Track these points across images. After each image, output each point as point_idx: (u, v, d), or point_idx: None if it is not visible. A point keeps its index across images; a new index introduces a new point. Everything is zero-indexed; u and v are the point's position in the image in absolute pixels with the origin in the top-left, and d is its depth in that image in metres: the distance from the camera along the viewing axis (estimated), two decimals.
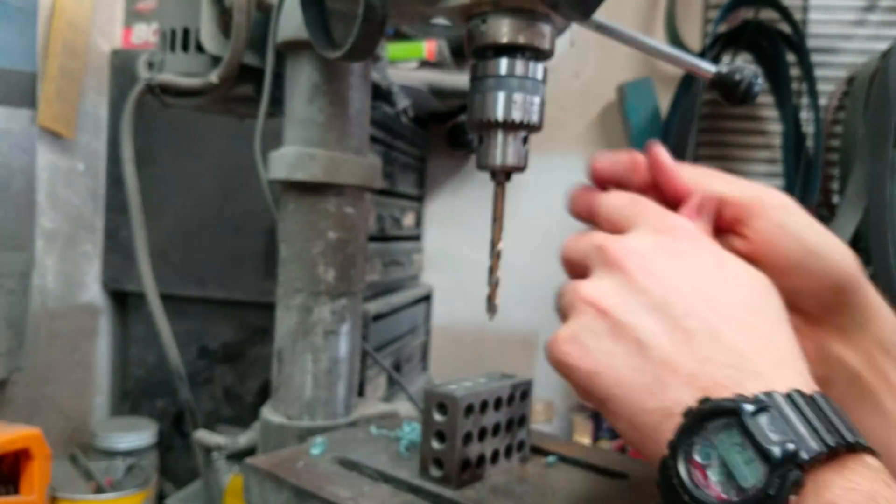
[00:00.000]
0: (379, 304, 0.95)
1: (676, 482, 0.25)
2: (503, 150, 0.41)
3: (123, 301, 1.01)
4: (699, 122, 1.18)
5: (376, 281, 0.99)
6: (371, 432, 0.52)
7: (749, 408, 0.25)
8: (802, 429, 0.24)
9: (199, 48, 0.60)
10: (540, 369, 1.28)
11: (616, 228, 0.36)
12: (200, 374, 0.96)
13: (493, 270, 0.42)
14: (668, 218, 0.34)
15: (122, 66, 0.97)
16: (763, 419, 0.24)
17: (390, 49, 1.03)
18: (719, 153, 1.21)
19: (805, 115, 1.15)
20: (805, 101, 1.14)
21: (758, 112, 1.21)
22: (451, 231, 1.31)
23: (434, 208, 1.32)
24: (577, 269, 0.36)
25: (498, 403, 0.44)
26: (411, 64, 1.04)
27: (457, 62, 1.05)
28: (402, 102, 0.95)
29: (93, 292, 0.98)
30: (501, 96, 0.40)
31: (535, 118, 0.41)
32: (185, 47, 0.61)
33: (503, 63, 0.40)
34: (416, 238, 1.27)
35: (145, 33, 1.02)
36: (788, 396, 0.25)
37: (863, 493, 0.23)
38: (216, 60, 0.59)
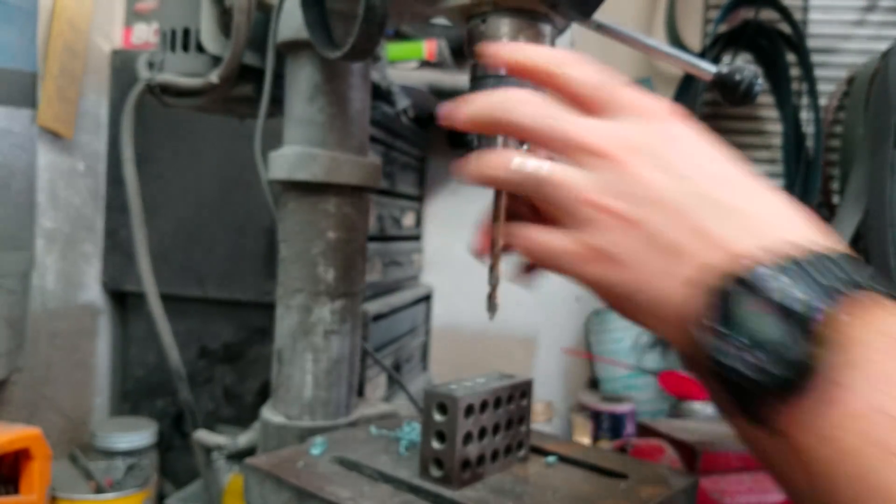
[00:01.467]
0: (379, 304, 0.95)
1: (709, 359, 0.25)
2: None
3: (123, 301, 1.01)
4: (699, 122, 1.18)
5: (376, 281, 0.99)
6: (371, 432, 0.52)
7: (763, 271, 0.25)
8: (814, 283, 0.24)
9: (200, 48, 0.60)
10: (540, 369, 1.28)
11: (587, 109, 0.32)
12: (200, 374, 0.96)
13: (493, 269, 0.42)
14: (646, 101, 0.32)
15: (123, 66, 0.97)
16: (780, 279, 0.24)
17: (390, 49, 1.03)
18: None
19: (805, 115, 1.15)
20: (805, 101, 1.14)
21: (758, 112, 1.21)
22: (450, 231, 1.31)
23: (434, 208, 1.32)
24: (536, 141, 0.32)
25: (498, 403, 0.44)
26: (411, 64, 1.04)
27: (457, 62, 1.05)
28: (402, 102, 0.95)
29: (93, 292, 0.98)
30: None
31: None
32: (185, 47, 0.61)
33: None
34: (416, 238, 1.27)
35: (145, 33, 1.02)
36: (797, 258, 0.25)
37: (887, 334, 0.23)
38: (216, 60, 0.59)
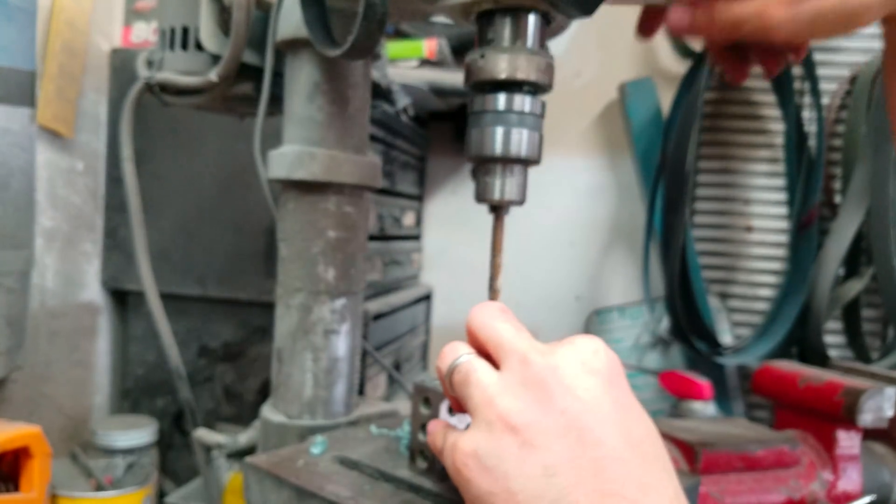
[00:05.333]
0: (379, 303, 0.95)
1: None
2: (502, 184, 0.41)
3: (123, 300, 1.01)
4: (701, 121, 1.17)
5: (376, 280, 0.99)
6: (371, 432, 0.52)
7: None
8: None
9: (199, 46, 0.59)
10: None
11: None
12: (200, 373, 0.96)
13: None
14: (587, 338, 0.33)
15: (122, 65, 0.97)
16: None
17: (390, 48, 1.03)
18: (721, 153, 1.21)
19: (807, 114, 1.14)
20: (807, 100, 1.14)
21: (759, 111, 1.21)
22: (451, 231, 1.31)
23: (434, 208, 1.31)
24: (482, 348, 0.35)
25: None
26: (411, 62, 1.04)
27: (457, 60, 1.05)
28: (403, 101, 0.95)
29: (92, 291, 0.98)
30: (500, 132, 0.40)
31: (534, 153, 0.41)
32: (184, 46, 0.60)
33: (502, 98, 0.40)
34: (416, 238, 1.27)
35: (145, 32, 1.02)
36: None
37: None
38: (216, 59, 0.59)
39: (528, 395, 0.30)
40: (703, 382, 0.89)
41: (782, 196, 1.18)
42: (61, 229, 0.90)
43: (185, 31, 0.60)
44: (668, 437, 0.61)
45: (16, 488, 0.71)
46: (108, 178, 0.99)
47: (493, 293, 0.41)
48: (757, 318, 1.16)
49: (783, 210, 1.17)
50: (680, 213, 1.06)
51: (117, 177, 0.95)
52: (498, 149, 0.40)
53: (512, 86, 0.40)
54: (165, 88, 0.62)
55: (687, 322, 1.07)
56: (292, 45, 0.55)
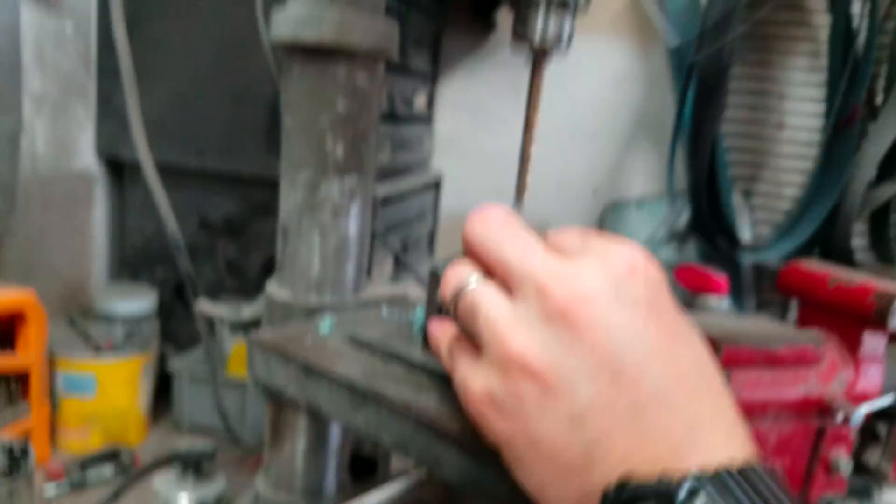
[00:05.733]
0: (387, 187, 0.92)
1: None
2: (545, 24, 0.35)
3: (119, 169, 0.98)
4: (742, 10, 1.08)
5: (385, 164, 0.95)
6: (382, 315, 0.50)
7: (682, 496, 0.22)
8: None
9: None
10: None
11: (556, 250, 0.28)
12: (201, 246, 0.94)
13: (524, 161, 0.38)
14: (623, 251, 0.27)
15: None
16: None
17: None
18: (759, 44, 1.12)
19: (857, 8, 1.05)
20: None
21: (805, 3, 1.11)
22: (465, 115, 1.24)
23: (448, 89, 1.24)
24: (485, 264, 0.29)
25: None
26: None
27: None
28: None
29: (87, 159, 0.93)
30: None
31: None
32: None
33: None
34: (428, 121, 1.21)
35: None
36: (720, 476, 0.23)
37: None
38: None
39: (548, 330, 0.25)
40: (720, 277, 0.87)
41: (819, 93, 1.11)
42: (51, 94, 0.85)
43: None
44: None
45: (13, 350, 0.71)
46: (99, 42, 0.92)
47: (526, 148, 0.37)
48: (779, 217, 1.13)
49: (818, 108, 1.11)
50: (714, 106, 1.00)
51: (110, 41, 0.88)
52: None
53: None
54: None
55: (710, 217, 1.04)
56: None
